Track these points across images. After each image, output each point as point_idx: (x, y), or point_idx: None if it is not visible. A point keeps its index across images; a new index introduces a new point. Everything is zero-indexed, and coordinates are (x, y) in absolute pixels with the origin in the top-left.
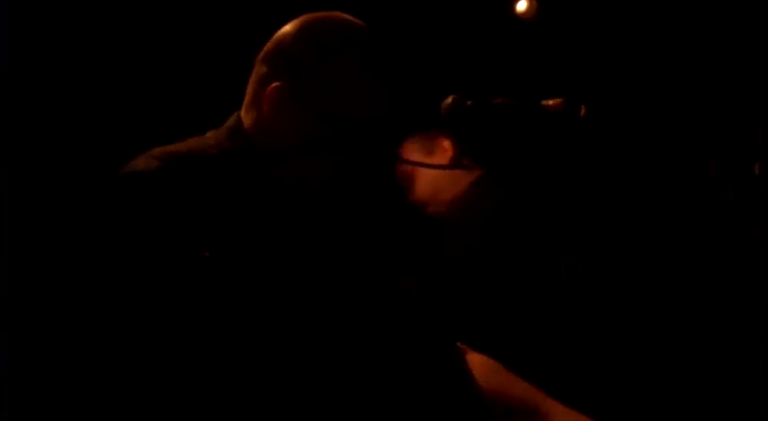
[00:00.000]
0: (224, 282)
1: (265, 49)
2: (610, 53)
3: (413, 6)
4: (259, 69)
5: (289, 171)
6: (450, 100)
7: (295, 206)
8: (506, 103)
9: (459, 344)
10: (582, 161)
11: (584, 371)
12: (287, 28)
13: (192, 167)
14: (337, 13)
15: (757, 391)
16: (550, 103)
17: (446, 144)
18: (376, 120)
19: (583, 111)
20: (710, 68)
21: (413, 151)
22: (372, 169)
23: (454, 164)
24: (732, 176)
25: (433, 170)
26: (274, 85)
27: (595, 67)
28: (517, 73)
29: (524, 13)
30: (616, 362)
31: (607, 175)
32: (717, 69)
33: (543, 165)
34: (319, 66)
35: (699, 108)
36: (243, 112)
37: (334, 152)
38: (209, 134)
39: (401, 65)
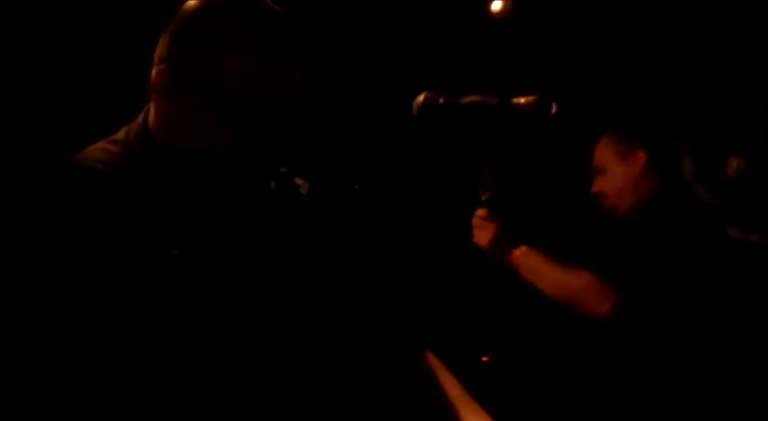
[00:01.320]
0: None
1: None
2: (584, 51)
3: (390, 4)
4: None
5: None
6: (422, 97)
7: (199, 204)
8: (478, 101)
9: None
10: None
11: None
12: (186, 4)
13: (84, 180)
14: None
15: (757, 391)
16: (522, 101)
17: (641, 155)
18: (276, 110)
19: (554, 110)
20: (686, 62)
21: (606, 149)
22: (260, 161)
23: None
24: (709, 175)
25: (623, 170)
26: (157, 67)
27: (569, 65)
28: (491, 71)
29: (499, 13)
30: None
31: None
32: (693, 63)
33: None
34: (204, 39)
35: (675, 102)
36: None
37: (227, 151)
38: (121, 133)
39: (315, 49)
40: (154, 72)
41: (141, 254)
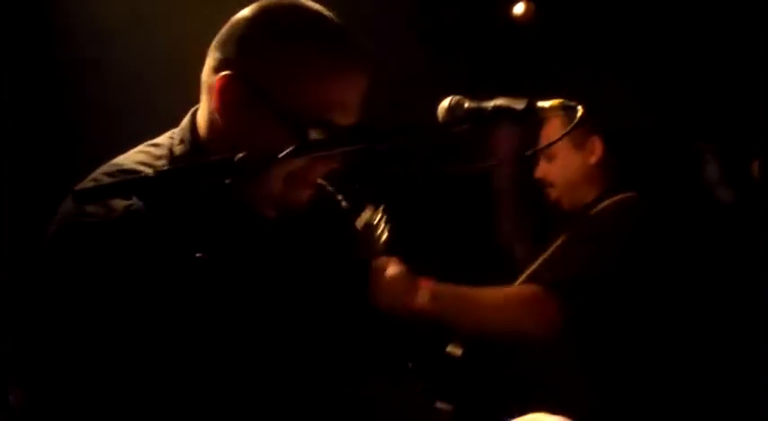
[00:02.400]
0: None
1: (219, 35)
2: (607, 54)
3: (410, 8)
4: (211, 58)
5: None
6: (448, 101)
7: (240, 223)
8: (503, 105)
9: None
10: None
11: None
12: (243, 13)
13: (136, 188)
14: (303, 2)
15: (757, 391)
16: (547, 105)
17: (597, 143)
18: (340, 125)
19: (580, 113)
20: (709, 66)
21: (558, 132)
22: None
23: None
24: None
25: (575, 162)
26: (223, 73)
27: (593, 68)
28: (514, 75)
29: (521, 16)
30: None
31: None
32: (716, 67)
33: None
34: (276, 51)
35: (699, 106)
36: (200, 109)
37: (290, 156)
38: (159, 139)
39: (373, 60)
40: (220, 77)
41: (185, 258)
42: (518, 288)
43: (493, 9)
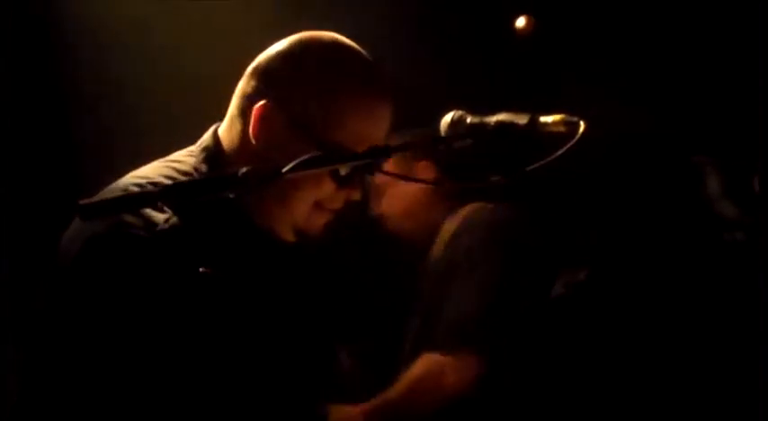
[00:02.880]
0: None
1: (257, 63)
2: (609, 68)
3: (411, 23)
4: (247, 84)
5: (263, 203)
6: (450, 116)
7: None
8: (506, 120)
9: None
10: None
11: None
12: (282, 45)
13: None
14: (332, 34)
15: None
16: (549, 120)
17: (425, 165)
18: (367, 151)
19: (582, 128)
20: (709, 78)
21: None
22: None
23: (437, 182)
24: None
25: (407, 189)
26: (264, 102)
27: (594, 81)
28: (515, 89)
29: (523, 29)
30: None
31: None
32: (716, 79)
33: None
34: (318, 91)
35: (703, 118)
36: (222, 130)
37: (293, 170)
38: (178, 156)
39: (396, 91)
40: (260, 105)
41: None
42: (434, 373)
43: (495, 21)
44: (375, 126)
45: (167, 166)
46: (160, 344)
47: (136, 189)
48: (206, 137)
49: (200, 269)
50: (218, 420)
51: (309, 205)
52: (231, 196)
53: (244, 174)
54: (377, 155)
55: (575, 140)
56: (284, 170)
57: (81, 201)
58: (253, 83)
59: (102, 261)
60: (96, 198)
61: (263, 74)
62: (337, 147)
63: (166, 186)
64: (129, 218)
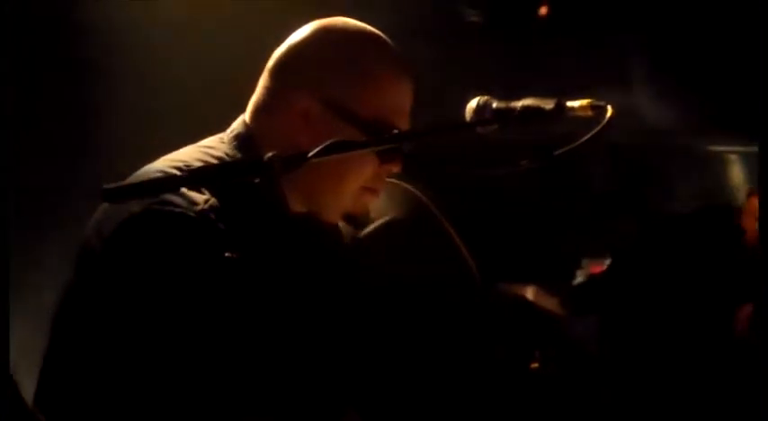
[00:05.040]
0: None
1: (278, 57)
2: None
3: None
4: (270, 74)
5: (308, 188)
6: (476, 101)
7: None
8: (532, 105)
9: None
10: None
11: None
12: (299, 35)
13: (212, 180)
14: (341, 18)
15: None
16: (576, 105)
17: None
18: (392, 136)
19: (609, 112)
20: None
21: None
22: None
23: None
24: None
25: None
26: (292, 89)
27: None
28: (538, 74)
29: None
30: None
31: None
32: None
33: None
34: (343, 69)
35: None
36: (250, 119)
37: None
38: (209, 142)
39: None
40: (295, 96)
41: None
42: None
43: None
44: (401, 95)
45: (201, 151)
46: (200, 324)
47: (174, 172)
48: (236, 125)
49: (226, 254)
50: (240, 405)
51: (358, 187)
52: (256, 181)
53: (269, 158)
54: (403, 139)
55: (603, 125)
56: (310, 155)
57: (105, 186)
58: (281, 75)
59: (148, 238)
60: (127, 181)
61: (286, 65)
62: (377, 122)
63: (192, 170)
64: (171, 197)
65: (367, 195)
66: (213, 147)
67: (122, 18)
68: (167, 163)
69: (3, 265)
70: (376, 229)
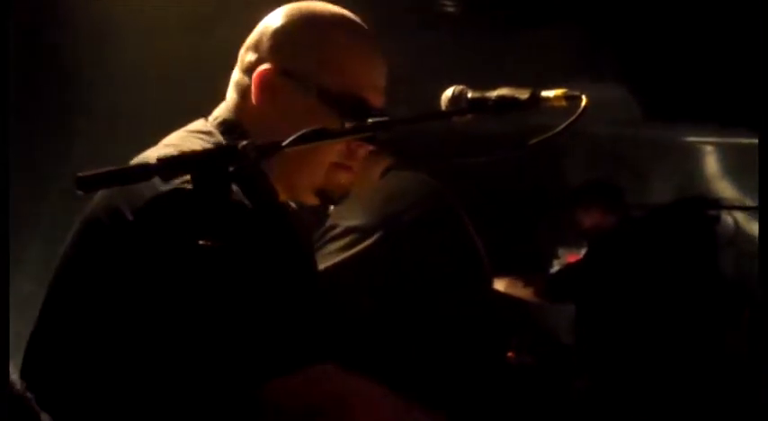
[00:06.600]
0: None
1: (250, 38)
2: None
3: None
4: (243, 58)
5: (283, 172)
6: (451, 91)
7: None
8: (507, 95)
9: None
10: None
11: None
12: (273, 16)
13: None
14: (319, 2)
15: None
16: (551, 95)
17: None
18: (367, 125)
19: (584, 102)
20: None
21: None
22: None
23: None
24: None
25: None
26: (264, 67)
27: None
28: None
29: None
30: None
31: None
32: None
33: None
34: (313, 44)
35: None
36: (230, 104)
37: (294, 144)
38: (196, 126)
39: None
40: (259, 71)
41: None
42: None
43: None
44: (372, 70)
45: (196, 137)
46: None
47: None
48: (219, 111)
49: (200, 242)
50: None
51: (325, 166)
52: (231, 169)
53: (243, 147)
54: (378, 128)
55: (577, 115)
56: (284, 144)
57: (80, 174)
58: (249, 55)
59: (172, 217)
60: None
61: (256, 45)
62: (342, 96)
63: (167, 159)
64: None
65: (340, 172)
66: (206, 131)
67: (101, 15)
68: (163, 150)
69: (3, 267)
70: (401, 223)
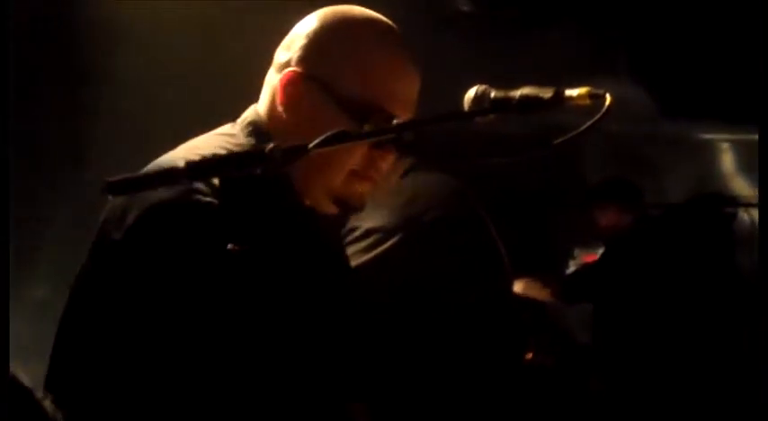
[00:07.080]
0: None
1: (286, 38)
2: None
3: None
4: (277, 58)
5: (304, 178)
6: (474, 90)
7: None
8: (531, 94)
9: None
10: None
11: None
12: (309, 18)
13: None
14: (357, 8)
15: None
16: (575, 93)
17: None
18: (392, 127)
19: (608, 101)
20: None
21: None
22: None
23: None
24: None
25: None
26: (291, 70)
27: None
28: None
29: None
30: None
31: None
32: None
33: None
34: (343, 52)
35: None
36: (260, 105)
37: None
38: (224, 130)
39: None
40: (285, 73)
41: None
42: None
43: None
44: (400, 82)
45: (221, 139)
46: (219, 314)
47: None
48: (248, 113)
49: (229, 246)
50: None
51: (344, 173)
52: (258, 173)
53: (270, 150)
54: (402, 129)
55: (602, 113)
56: (311, 146)
57: (109, 179)
58: (280, 57)
59: (173, 226)
60: (145, 170)
61: (287, 47)
62: (366, 106)
63: (193, 163)
64: (200, 185)
65: (360, 182)
66: (231, 134)
67: (121, 18)
68: (188, 152)
69: (3, 265)
70: (423, 224)
